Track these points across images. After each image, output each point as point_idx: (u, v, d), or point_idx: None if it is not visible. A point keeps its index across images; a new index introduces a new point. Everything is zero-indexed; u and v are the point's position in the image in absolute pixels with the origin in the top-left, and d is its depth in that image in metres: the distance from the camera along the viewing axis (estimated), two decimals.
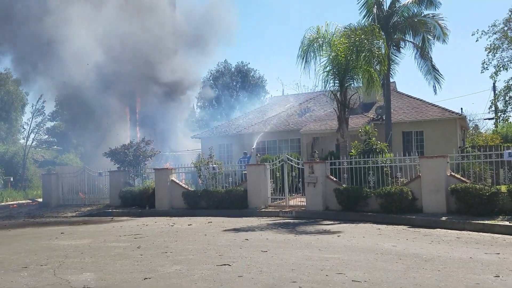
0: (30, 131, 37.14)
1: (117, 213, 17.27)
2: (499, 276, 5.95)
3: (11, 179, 30.93)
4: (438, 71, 19.74)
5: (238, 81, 54.28)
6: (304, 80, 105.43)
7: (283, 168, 15.47)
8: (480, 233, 9.99)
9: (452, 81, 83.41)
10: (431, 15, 19.06)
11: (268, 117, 26.51)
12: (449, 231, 10.38)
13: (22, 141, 38.29)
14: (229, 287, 5.65)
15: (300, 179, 15.19)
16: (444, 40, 18.82)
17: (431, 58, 19.45)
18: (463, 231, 10.24)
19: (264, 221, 13.13)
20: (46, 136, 41.64)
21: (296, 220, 13.14)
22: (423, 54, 19.38)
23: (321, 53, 14.50)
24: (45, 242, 10.22)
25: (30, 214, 18.44)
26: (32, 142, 37.41)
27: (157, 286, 5.83)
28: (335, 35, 14.28)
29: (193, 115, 52.64)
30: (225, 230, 11.19)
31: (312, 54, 14.56)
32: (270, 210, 14.92)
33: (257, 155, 19.86)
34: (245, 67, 54.63)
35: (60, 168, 25.03)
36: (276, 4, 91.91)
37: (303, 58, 14.55)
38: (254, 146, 23.25)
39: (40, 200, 23.04)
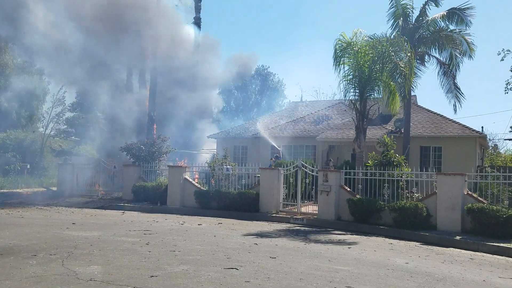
0: (49, 120, 37.65)
1: (129, 207, 17.38)
2: None
3: (28, 166, 31.33)
4: (459, 89, 19.45)
5: (257, 84, 54.29)
6: (324, 88, 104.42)
7: (297, 174, 15.35)
8: (494, 255, 9.76)
9: (473, 98, 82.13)
10: (457, 30, 18.78)
11: (285, 122, 26.39)
12: (463, 251, 10.15)
13: (41, 129, 38.73)
14: None
15: (314, 187, 15.05)
16: (470, 56, 18.51)
17: (454, 75, 19.18)
18: (477, 252, 10.00)
19: (275, 226, 13.04)
20: (65, 126, 42.09)
21: (306, 228, 13.01)
22: (447, 71, 19.12)
23: (346, 61, 14.39)
24: (56, 231, 10.30)
25: (43, 202, 18.68)
26: (50, 131, 37.89)
27: (163, 285, 5.79)
28: (360, 45, 14.15)
29: (210, 114, 52.75)
30: (235, 233, 11.12)
31: (341, 61, 14.46)
32: (281, 215, 14.82)
33: (271, 159, 19.76)
34: (265, 71, 54.66)
35: (76, 158, 25.29)
36: (299, 9, 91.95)
37: (336, 66, 14.44)
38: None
39: (55, 188, 23.33)
